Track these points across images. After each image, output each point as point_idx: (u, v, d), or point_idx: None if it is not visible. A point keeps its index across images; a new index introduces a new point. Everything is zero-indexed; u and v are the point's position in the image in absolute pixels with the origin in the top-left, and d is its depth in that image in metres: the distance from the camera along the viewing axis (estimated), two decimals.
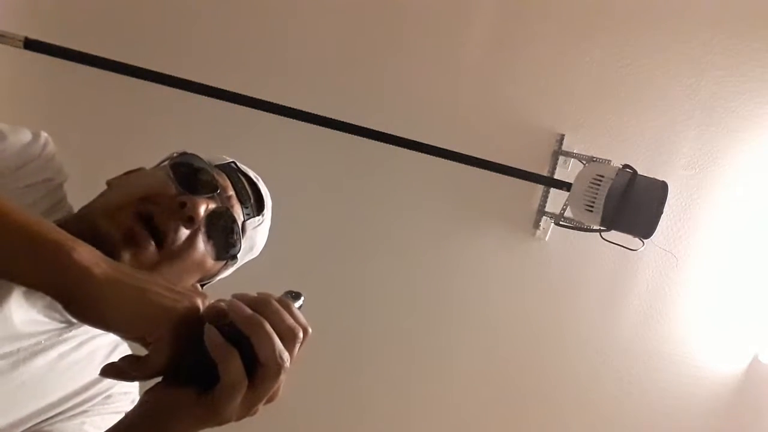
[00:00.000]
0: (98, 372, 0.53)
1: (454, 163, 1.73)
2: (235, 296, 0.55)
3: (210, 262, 0.77)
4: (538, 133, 2.09)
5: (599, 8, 2.04)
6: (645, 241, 1.69)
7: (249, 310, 0.53)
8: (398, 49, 2.07)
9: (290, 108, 1.65)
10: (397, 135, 1.71)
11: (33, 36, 1.53)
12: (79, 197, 0.79)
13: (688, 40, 2.04)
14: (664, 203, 1.63)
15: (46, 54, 1.54)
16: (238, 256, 0.81)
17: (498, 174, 1.75)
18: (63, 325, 0.71)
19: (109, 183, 0.80)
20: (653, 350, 2.19)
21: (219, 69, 1.87)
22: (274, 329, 0.52)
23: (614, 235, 1.69)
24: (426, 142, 1.72)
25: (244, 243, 0.81)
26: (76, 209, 0.79)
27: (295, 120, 1.66)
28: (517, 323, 2.20)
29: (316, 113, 1.67)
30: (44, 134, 0.76)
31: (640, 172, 1.65)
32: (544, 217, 2.08)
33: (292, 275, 1.94)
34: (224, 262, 0.80)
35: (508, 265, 2.17)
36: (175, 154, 0.82)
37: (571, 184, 1.75)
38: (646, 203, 1.62)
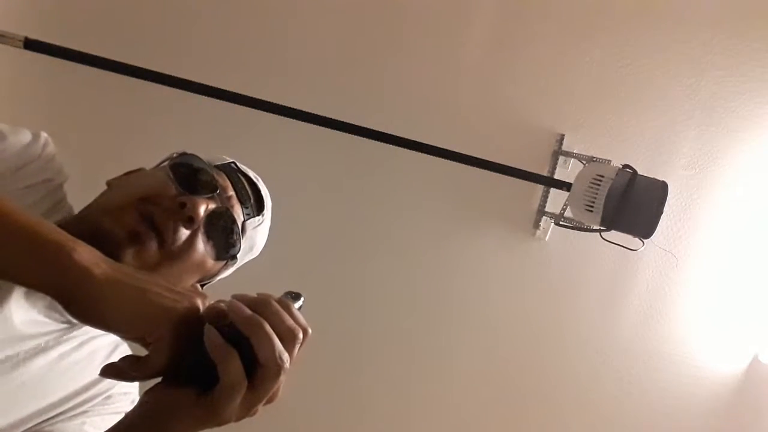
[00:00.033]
0: (98, 372, 0.53)
1: (454, 163, 1.73)
2: (234, 297, 0.55)
3: (210, 262, 0.77)
4: (538, 133, 2.09)
5: (599, 8, 2.04)
6: (645, 241, 1.68)
7: (249, 311, 0.53)
8: (398, 49, 2.07)
9: (290, 108, 1.65)
10: (397, 135, 1.71)
11: (33, 36, 1.53)
12: (79, 198, 0.79)
13: (688, 40, 2.04)
14: (664, 203, 1.62)
15: (46, 54, 1.54)
16: (238, 256, 0.81)
17: (498, 174, 1.75)
18: (64, 326, 0.71)
19: (109, 183, 0.80)
20: (653, 350, 2.19)
21: (219, 69, 1.87)
22: (273, 330, 0.52)
23: (614, 235, 1.69)
24: (426, 142, 1.72)
25: (244, 243, 0.81)
26: (76, 210, 0.79)
27: (295, 120, 1.66)
28: (517, 323, 2.20)
29: (316, 113, 1.67)
30: (44, 135, 0.76)
31: (640, 172, 1.65)
32: (544, 217, 2.09)
33: (292, 275, 1.94)
34: (224, 262, 0.80)
35: (508, 265, 2.17)
36: (174, 155, 0.82)
37: (571, 184, 1.75)
38: (646, 203, 1.62)
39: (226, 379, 0.50)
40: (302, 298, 0.60)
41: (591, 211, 1.65)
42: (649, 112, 2.08)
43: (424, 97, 2.06)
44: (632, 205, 1.61)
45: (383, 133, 1.71)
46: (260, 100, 1.64)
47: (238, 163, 0.84)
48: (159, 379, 0.54)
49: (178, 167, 0.77)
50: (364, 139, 1.71)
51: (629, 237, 1.70)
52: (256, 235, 0.84)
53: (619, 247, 1.77)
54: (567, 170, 2.04)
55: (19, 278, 0.51)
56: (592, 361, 2.21)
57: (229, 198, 0.78)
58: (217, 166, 0.81)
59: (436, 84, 2.08)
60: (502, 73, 2.09)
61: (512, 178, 1.78)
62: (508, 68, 2.09)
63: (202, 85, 1.62)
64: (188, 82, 1.61)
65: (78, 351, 0.73)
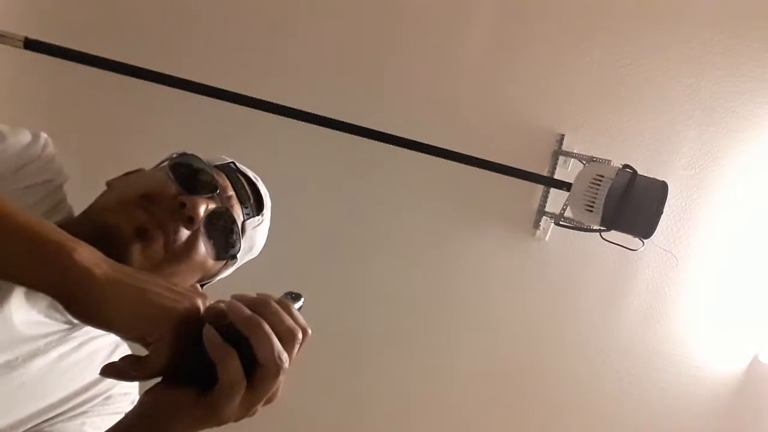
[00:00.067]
0: (98, 372, 0.53)
1: (454, 163, 1.73)
2: (234, 297, 0.55)
3: (210, 262, 0.77)
4: (538, 133, 2.09)
5: (599, 8, 2.04)
6: (645, 241, 1.69)
7: (248, 311, 0.53)
8: (398, 49, 2.07)
9: (290, 108, 1.65)
10: (397, 135, 1.71)
11: (33, 36, 1.53)
12: (79, 198, 0.79)
13: (688, 40, 2.04)
14: (664, 203, 1.62)
15: (46, 54, 1.54)
16: (238, 256, 0.81)
17: (498, 174, 1.75)
18: (66, 326, 0.71)
19: (108, 184, 0.81)
20: (653, 350, 2.19)
21: (219, 69, 1.87)
22: (273, 330, 0.52)
23: (614, 235, 1.69)
24: (426, 142, 1.72)
25: (244, 243, 0.81)
26: (76, 210, 0.79)
27: (295, 120, 1.66)
28: (517, 323, 2.20)
29: (316, 113, 1.67)
30: (44, 135, 0.76)
31: (640, 172, 1.65)
32: (544, 217, 2.09)
33: (292, 275, 1.94)
34: (224, 262, 0.80)
35: (508, 265, 2.17)
36: (174, 155, 0.82)
37: (571, 184, 1.75)
38: (646, 203, 1.62)
39: (225, 378, 0.50)
40: (302, 299, 0.60)
41: (591, 211, 1.65)
42: (649, 112, 2.08)
43: (424, 97, 2.06)
44: (632, 205, 1.61)
45: (383, 133, 1.71)
46: (260, 100, 1.64)
47: (237, 163, 0.84)
48: (159, 379, 0.54)
49: (178, 167, 0.77)
50: (364, 139, 1.71)
51: (629, 237, 1.70)
52: (255, 234, 0.84)
53: (619, 247, 1.77)
54: (567, 170, 2.04)
55: (20, 278, 0.51)
56: (592, 361, 2.21)
57: (229, 198, 0.79)
58: (216, 166, 0.81)
59: (436, 84, 2.08)
60: (502, 73, 2.09)
61: (512, 178, 1.78)
62: (508, 68, 2.09)
63: (202, 85, 1.62)
64: (188, 82, 1.61)
65: (78, 351, 0.73)
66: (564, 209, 1.89)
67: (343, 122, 1.69)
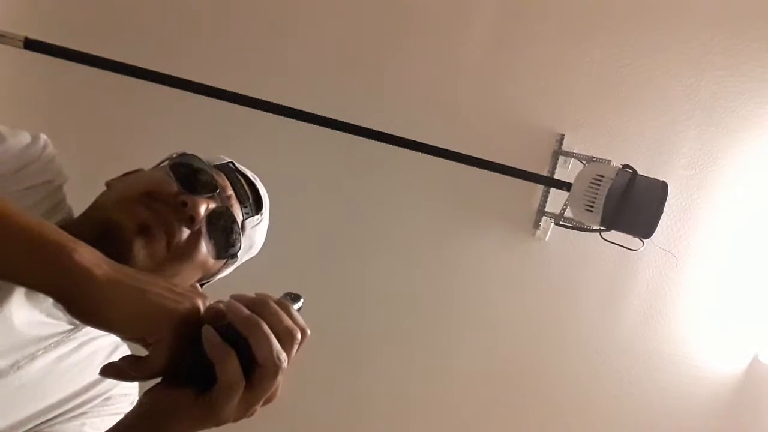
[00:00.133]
0: (98, 373, 0.53)
1: (454, 163, 1.73)
2: (233, 297, 0.55)
3: (211, 261, 0.77)
4: (538, 133, 2.09)
5: (599, 8, 2.04)
6: (645, 241, 1.68)
7: (247, 311, 0.53)
8: (398, 49, 2.07)
9: (290, 108, 1.65)
10: (397, 135, 1.71)
11: (33, 36, 1.53)
12: (79, 199, 0.79)
13: (688, 40, 2.04)
14: (664, 203, 1.62)
15: (46, 54, 1.54)
16: (238, 255, 0.81)
17: (498, 174, 1.75)
18: (69, 327, 0.71)
19: (108, 184, 0.81)
20: (653, 350, 2.19)
21: (219, 69, 1.87)
22: (272, 330, 0.52)
23: (614, 235, 1.69)
24: (426, 142, 1.72)
25: (244, 242, 0.81)
26: (76, 210, 0.79)
27: (295, 120, 1.66)
28: (517, 323, 2.20)
29: (316, 113, 1.67)
30: (43, 136, 0.76)
31: (640, 172, 1.65)
32: (544, 217, 2.09)
33: (291, 275, 1.94)
34: (224, 261, 0.81)
35: (508, 265, 2.17)
36: (174, 155, 0.82)
37: (571, 184, 1.75)
38: (646, 203, 1.62)
39: (224, 378, 0.50)
40: (302, 300, 0.60)
41: (591, 211, 1.65)
42: (649, 112, 2.07)
43: (424, 97, 2.06)
44: (632, 205, 1.61)
45: (383, 133, 1.71)
46: (260, 100, 1.64)
47: (235, 163, 0.85)
48: (158, 380, 0.54)
49: (178, 167, 0.77)
50: (364, 139, 1.71)
51: (629, 237, 1.70)
52: (255, 234, 0.85)
53: (619, 247, 1.77)
54: (567, 170, 2.04)
55: (20, 279, 0.51)
56: (592, 361, 2.21)
57: (229, 197, 0.79)
58: (215, 166, 0.81)
59: (436, 84, 2.08)
60: (502, 73, 2.09)
61: (512, 178, 1.78)
62: (508, 68, 2.09)
63: (202, 85, 1.62)
64: (188, 82, 1.61)
65: (77, 352, 0.73)
66: (564, 209, 1.89)
67: (343, 122, 1.69)
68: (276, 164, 1.90)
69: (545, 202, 2.08)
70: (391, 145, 1.71)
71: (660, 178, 1.68)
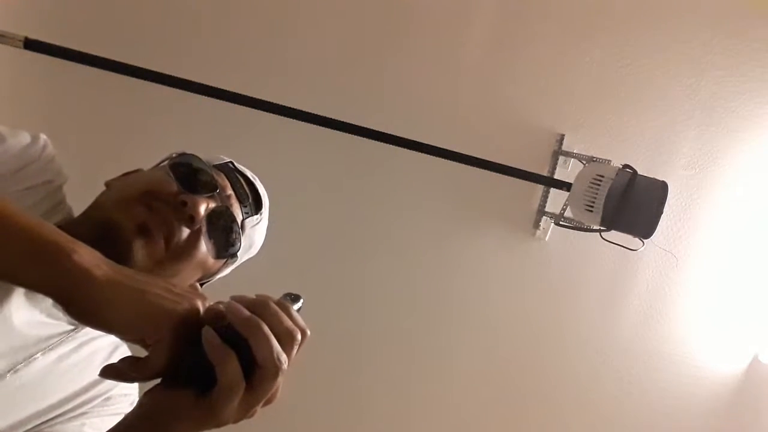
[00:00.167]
0: (98, 373, 0.53)
1: (454, 163, 1.73)
2: (233, 298, 0.55)
3: (210, 260, 0.78)
4: (538, 133, 2.09)
5: (599, 8, 2.04)
6: (645, 241, 1.68)
7: (247, 312, 0.53)
8: (398, 49, 2.07)
9: (290, 108, 1.65)
10: (397, 135, 1.71)
11: (33, 36, 1.53)
12: (79, 199, 0.79)
13: (688, 40, 2.04)
14: (664, 203, 1.62)
15: (46, 54, 1.54)
16: (238, 254, 0.81)
17: (498, 174, 1.75)
18: (69, 327, 0.71)
19: (107, 184, 0.81)
20: (653, 350, 2.19)
21: (219, 69, 1.87)
22: (271, 331, 0.52)
23: (614, 235, 1.69)
24: (426, 142, 1.72)
25: (244, 241, 0.81)
26: (75, 210, 0.79)
27: (295, 120, 1.66)
28: (517, 323, 2.20)
29: (316, 113, 1.67)
30: (43, 137, 0.76)
31: (640, 172, 1.65)
32: (544, 217, 2.08)
33: (291, 275, 1.94)
34: (224, 260, 0.81)
35: (508, 265, 2.17)
36: (174, 155, 0.82)
37: (571, 184, 1.75)
38: (646, 203, 1.62)
39: (224, 380, 0.50)
40: (302, 300, 0.60)
41: (591, 211, 1.65)
42: (649, 112, 2.07)
43: (424, 97, 2.06)
44: (632, 205, 1.61)
45: (383, 133, 1.71)
46: (260, 100, 1.64)
47: (235, 163, 0.85)
48: (158, 381, 0.54)
49: (178, 167, 0.77)
50: (364, 139, 1.71)
51: (629, 237, 1.70)
52: (254, 233, 0.85)
53: (619, 247, 1.77)
54: (567, 170, 2.04)
55: (20, 279, 0.51)
56: (592, 361, 2.21)
57: (228, 197, 0.79)
58: (215, 166, 0.82)
59: (436, 84, 2.08)
60: (502, 73, 2.09)
61: (512, 178, 1.78)
62: (508, 68, 2.09)
63: (202, 85, 1.62)
64: (188, 82, 1.61)
65: (77, 352, 0.73)
66: (564, 209, 1.89)
67: (343, 122, 1.69)
68: (276, 164, 1.90)
69: (545, 202, 2.08)
70: (391, 145, 1.71)
71: (660, 178, 1.68)
